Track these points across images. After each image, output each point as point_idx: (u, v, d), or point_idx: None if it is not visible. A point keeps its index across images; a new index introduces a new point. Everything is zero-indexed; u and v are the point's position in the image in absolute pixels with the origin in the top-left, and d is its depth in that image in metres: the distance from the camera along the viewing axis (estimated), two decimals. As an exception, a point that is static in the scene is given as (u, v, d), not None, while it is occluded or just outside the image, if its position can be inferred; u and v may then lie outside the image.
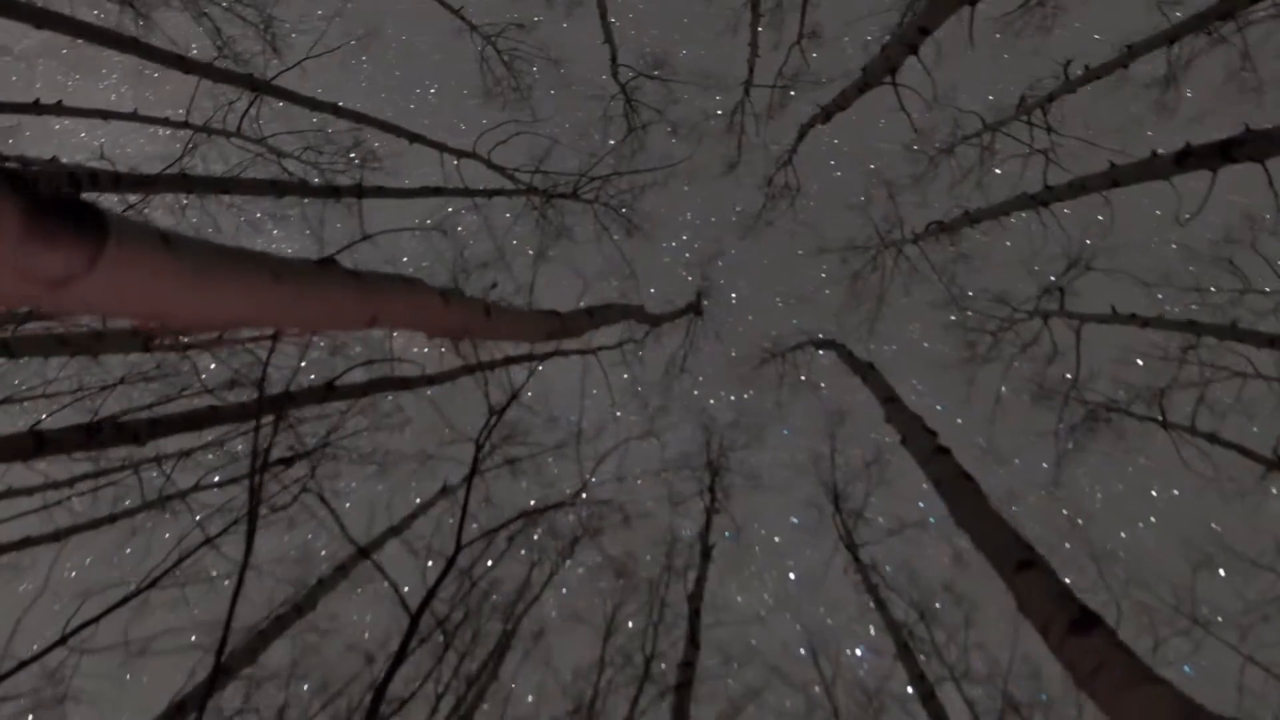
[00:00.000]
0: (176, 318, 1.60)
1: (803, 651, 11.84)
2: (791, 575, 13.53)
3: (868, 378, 6.89)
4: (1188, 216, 6.23)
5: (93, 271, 1.35)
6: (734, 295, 14.22)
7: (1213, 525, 11.14)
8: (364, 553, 6.26)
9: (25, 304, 1.33)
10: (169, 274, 1.50)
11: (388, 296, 2.52)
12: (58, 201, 1.31)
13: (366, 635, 9.75)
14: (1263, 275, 9.95)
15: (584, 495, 9.32)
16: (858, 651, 11.68)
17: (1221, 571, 10.66)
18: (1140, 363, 11.17)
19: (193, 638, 9.33)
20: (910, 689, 9.77)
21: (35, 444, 4.20)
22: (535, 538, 10.68)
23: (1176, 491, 12.41)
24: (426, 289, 2.80)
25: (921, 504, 12.37)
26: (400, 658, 3.79)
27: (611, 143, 11.95)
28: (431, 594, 4.20)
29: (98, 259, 1.35)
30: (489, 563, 9.01)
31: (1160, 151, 6.09)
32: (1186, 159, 5.80)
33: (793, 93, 10.86)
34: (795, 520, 13.12)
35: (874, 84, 7.25)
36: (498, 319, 3.40)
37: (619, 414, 11.01)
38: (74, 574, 10.41)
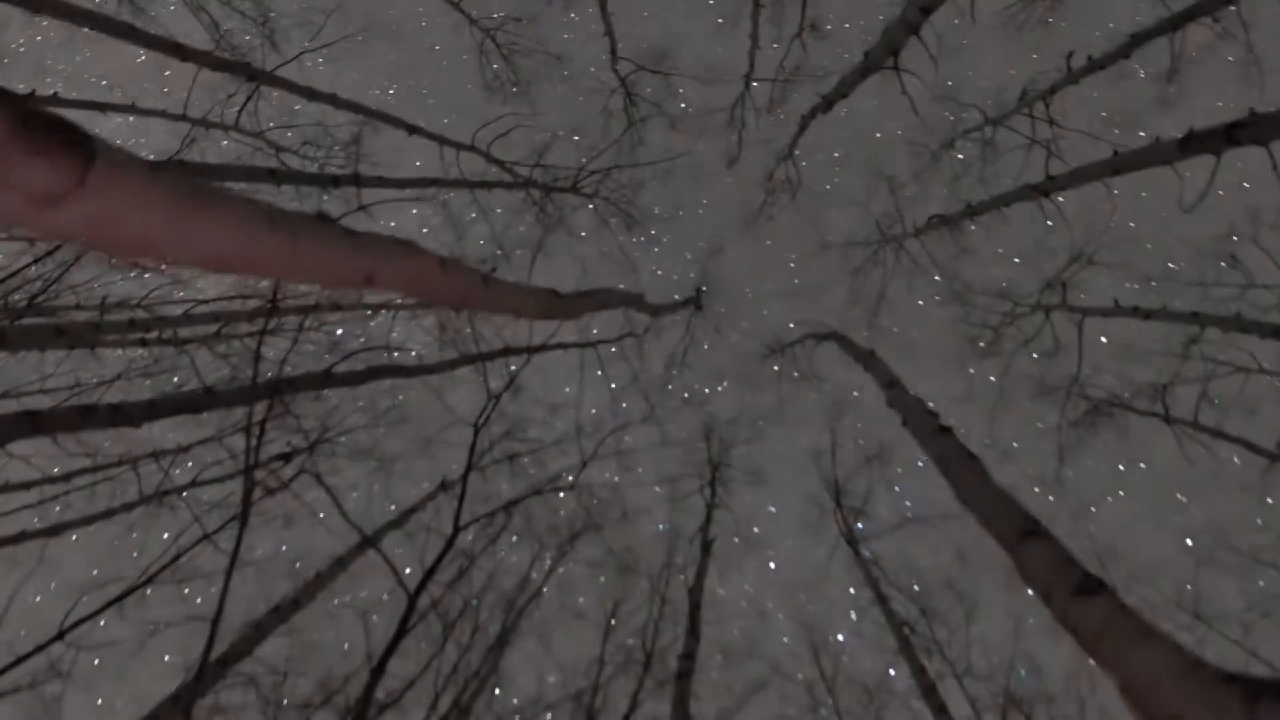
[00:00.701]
0: (166, 250, 1.56)
1: (789, 641, 11.82)
2: (791, 571, 13.46)
3: (869, 364, 6.87)
4: (1193, 204, 6.19)
5: (80, 191, 1.32)
6: (734, 290, 14.18)
7: (1215, 521, 11.12)
8: (368, 540, 6.22)
9: (15, 223, 1.31)
10: (158, 202, 1.47)
11: (384, 255, 2.49)
12: (46, 118, 1.28)
13: (346, 646, 9.71)
14: (1266, 271, 9.93)
15: (583, 466, 9.28)
16: (858, 647, 11.63)
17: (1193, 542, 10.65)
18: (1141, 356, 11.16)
19: (173, 643, 9.33)
20: (898, 677, 9.76)
21: (30, 423, 4.16)
22: (534, 528, 10.65)
23: (1179, 487, 12.35)
24: (424, 252, 2.77)
25: (900, 493, 12.37)
26: (399, 635, 3.76)
27: (611, 137, 11.93)
28: (430, 573, 4.17)
29: (85, 178, 1.32)
30: (490, 545, 8.95)
31: (1162, 136, 6.05)
32: (1190, 144, 5.77)
33: (789, 81, 10.84)
34: (796, 516, 13.07)
35: (876, 68, 7.22)
36: (495, 290, 3.37)
37: (614, 413, 11.03)
38: (72, 569, 10.38)
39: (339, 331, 10.84)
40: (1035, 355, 11.46)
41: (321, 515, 9.55)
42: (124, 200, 1.40)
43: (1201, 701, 1.84)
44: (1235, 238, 10.28)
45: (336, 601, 10.29)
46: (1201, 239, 10.55)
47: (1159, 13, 8.68)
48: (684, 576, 10.99)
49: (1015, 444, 12.53)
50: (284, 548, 10.46)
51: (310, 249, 2.05)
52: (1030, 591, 2.96)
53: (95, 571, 10.16)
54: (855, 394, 12.77)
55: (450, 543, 4.39)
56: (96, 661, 9.64)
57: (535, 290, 3.97)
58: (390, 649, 3.71)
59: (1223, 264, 10.36)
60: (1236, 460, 10.53)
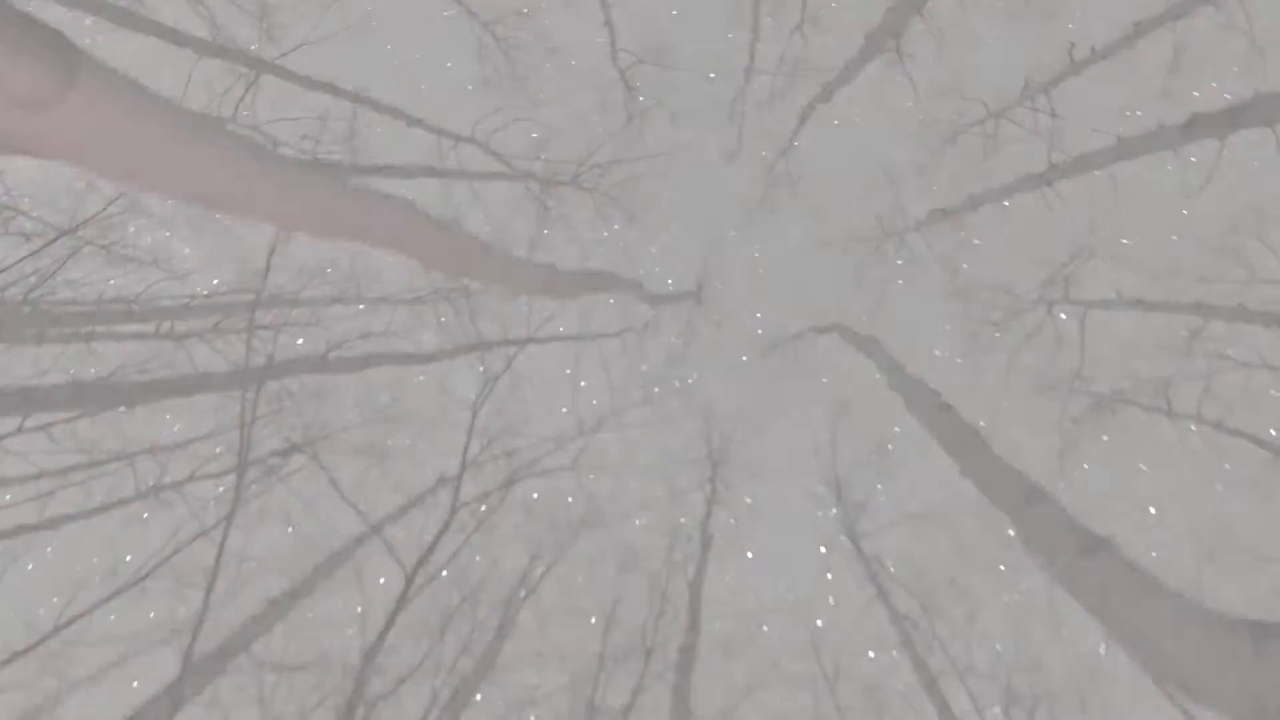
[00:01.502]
0: (154, 175, 1.52)
1: (789, 636, 11.75)
2: (791, 566, 13.40)
3: (871, 351, 6.83)
4: (1198, 188, 6.16)
5: (65, 98, 1.29)
6: (734, 283, 14.15)
7: (1219, 517, 11.06)
8: (370, 526, 6.17)
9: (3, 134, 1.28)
10: (146, 122, 1.44)
11: (380, 209, 2.44)
12: (32, 22, 1.25)
13: (343, 640, 9.67)
14: (1268, 266, 9.88)
15: (583, 444, 9.22)
16: (858, 643, 11.56)
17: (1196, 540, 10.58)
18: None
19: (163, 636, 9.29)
20: (899, 673, 9.71)
21: (22, 400, 4.11)
22: (534, 523, 10.61)
23: (1181, 483, 12.29)
24: (421, 212, 2.73)
25: (901, 488, 12.29)
26: (397, 613, 3.71)
27: (610, 131, 11.90)
28: (429, 551, 4.12)
29: (70, 86, 1.29)
30: (486, 520, 8.88)
31: (1163, 117, 6.02)
32: (1193, 127, 5.74)
33: (789, 74, 10.81)
34: (796, 511, 13.01)
35: (877, 51, 7.19)
36: (493, 258, 3.33)
37: (613, 407, 10.99)
38: (69, 564, 10.34)
39: (337, 321, 10.80)
40: (1063, 359, 11.38)
41: (318, 511, 9.52)
42: (111, 114, 1.36)
43: (1212, 646, 1.80)
44: (1238, 232, 10.25)
45: (332, 603, 10.25)
46: (1204, 233, 10.51)
47: (1160, 4, 8.67)
48: (686, 571, 10.93)
49: (1017, 440, 12.48)
50: (281, 543, 10.41)
51: (306, 192, 2.01)
52: (1035, 561, 2.93)
53: (91, 566, 10.12)
54: (856, 387, 12.73)
55: (450, 519, 4.35)
56: (93, 656, 9.60)
57: (534, 264, 3.94)
58: (389, 626, 3.67)
59: (1228, 252, 10.32)
60: (1240, 458, 10.47)
